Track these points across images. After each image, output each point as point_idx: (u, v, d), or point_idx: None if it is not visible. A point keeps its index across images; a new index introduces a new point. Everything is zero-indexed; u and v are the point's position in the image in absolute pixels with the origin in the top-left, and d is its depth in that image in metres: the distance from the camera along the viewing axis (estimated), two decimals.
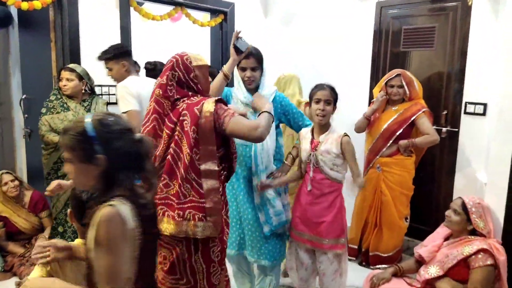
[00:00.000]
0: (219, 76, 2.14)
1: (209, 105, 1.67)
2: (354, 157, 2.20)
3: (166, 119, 1.73)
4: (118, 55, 2.69)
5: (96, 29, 3.16)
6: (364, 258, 3.20)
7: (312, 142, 2.23)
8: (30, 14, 3.13)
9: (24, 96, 3.75)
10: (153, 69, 3.63)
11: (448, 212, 2.26)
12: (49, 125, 2.87)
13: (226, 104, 1.76)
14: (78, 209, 1.75)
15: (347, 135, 2.19)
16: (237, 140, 1.99)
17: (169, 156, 1.70)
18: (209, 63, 1.86)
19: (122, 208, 1.21)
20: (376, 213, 3.08)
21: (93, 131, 1.24)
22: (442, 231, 2.37)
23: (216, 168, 1.68)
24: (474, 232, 2.20)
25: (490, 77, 2.97)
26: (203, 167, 1.67)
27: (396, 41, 3.52)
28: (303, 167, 2.30)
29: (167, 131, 1.71)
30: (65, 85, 2.88)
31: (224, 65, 2.16)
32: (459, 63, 3.16)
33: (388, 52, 3.59)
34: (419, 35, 3.37)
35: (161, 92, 1.74)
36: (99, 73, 3.02)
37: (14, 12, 3.83)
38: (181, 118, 1.69)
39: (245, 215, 2.26)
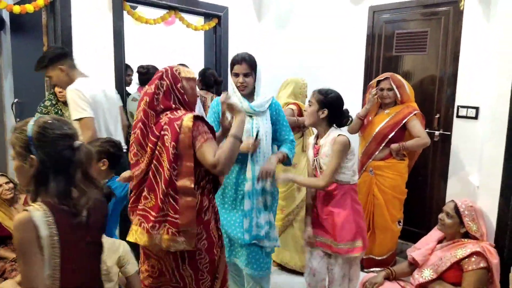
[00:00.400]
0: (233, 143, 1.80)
1: (187, 121, 1.67)
2: (335, 156, 2.12)
3: (150, 132, 1.74)
4: (51, 60, 2.47)
5: (89, 33, 3.15)
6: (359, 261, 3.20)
7: (314, 147, 2.27)
8: (22, 17, 3.11)
9: (16, 100, 3.73)
10: (145, 73, 3.63)
11: (441, 216, 2.27)
12: None
13: (204, 122, 1.75)
14: None
15: (343, 135, 2.14)
16: None
17: (150, 171, 1.72)
18: (197, 76, 1.86)
19: (36, 214, 1.21)
20: (369, 217, 3.08)
21: (31, 132, 1.30)
22: (435, 234, 2.38)
23: (191, 186, 1.68)
24: (467, 235, 2.21)
25: (482, 80, 3.00)
26: (179, 183, 1.67)
27: (389, 45, 3.54)
28: (311, 173, 2.33)
29: (150, 145, 1.73)
30: (60, 92, 2.86)
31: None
32: (451, 67, 3.19)
33: (381, 56, 3.61)
34: (411, 39, 3.40)
35: (147, 100, 1.75)
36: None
37: (6, 15, 3.82)
38: (162, 132, 1.70)
39: (235, 222, 2.24)
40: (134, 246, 2.24)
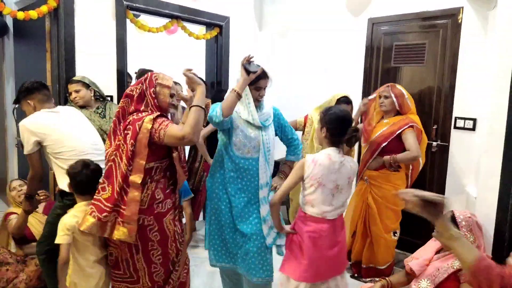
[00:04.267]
0: (232, 96, 2.13)
1: (147, 123, 1.83)
2: (290, 175, 2.10)
3: (118, 130, 1.93)
4: (20, 97, 2.50)
5: (92, 40, 3.18)
6: (356, 270, 3.19)
7: None
8: (26, 24, 3.15)
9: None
10: (139, 76, 3.65)
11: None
12: None
13: (164, 117, 1.90)
14: None
15: (304, 158, 2.09)
16: (238, 154, 2.19)
17: (111, 163, 1.88)
18: (172, 83, 1.98)
19: None
20: (364, 225, 3.08)
21: None
22: (432, 244, 2.38)
23: (139, 181, 1.83)
24: None
25: (479, 92, 3.03)
26: (131, 178, 1.84)
27: (388, 57, 3.58)
28: None
29: (117, 142, 1.90)
30: (75, 97, 2.90)
31: (235, 86, 2.17)
32: (449, 79, 3.22)
33: (379, 67, 3.65)
34: (410, 51, 3.44)
35: (122, 101, 1.96)
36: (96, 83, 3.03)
37: (9, 21, 3.86)
38: (125, 131, 1.87)
39: (246, 229, 2.25)
40: None
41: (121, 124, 1.92)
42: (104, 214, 1.82)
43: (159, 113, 1.89)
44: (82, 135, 2.45)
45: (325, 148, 2.07)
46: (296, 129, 3.16)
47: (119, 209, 1.84)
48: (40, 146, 2.36)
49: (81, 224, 1.88)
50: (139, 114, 1.88)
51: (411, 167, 3.09)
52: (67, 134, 2.39)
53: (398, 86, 3.05)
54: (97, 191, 1.90)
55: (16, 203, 2.95)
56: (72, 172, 2.07)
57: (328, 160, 1.99)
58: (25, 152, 2.35)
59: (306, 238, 2.02)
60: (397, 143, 2.95)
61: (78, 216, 1.97)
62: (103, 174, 1.96)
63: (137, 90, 1.93)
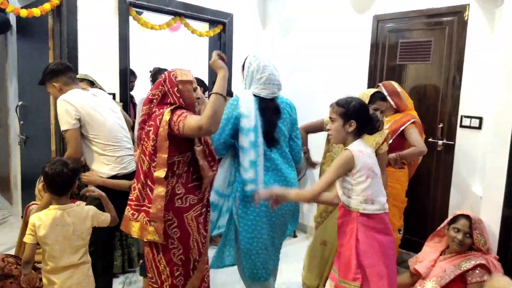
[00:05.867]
0: (221, 100, 1.81)
1: (165, 115, 1.80)
2: (331, 169, 1.87)
3: (144, 132, 1.92)
4: (46, 77, 2.46)
5: (95, 37, 3.17)
6: None
7: None
8: (28, 21, 3.14)
9: (20, 103, 3.74)
10: (154, 76, 3.63)
11: (460, 237, 2.18)
12: None
13: (182, 108, 1.87)
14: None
15: (348, 149, 1.87)
16: None
17: (139, 164, 1.90)
18: (192, 77, 1.96)
19: None
20: None
21: None
22: (437, 245, 2.36)
23: (162, 175, 1.78)
24: (471, 247, 2.19)
25: (485, 91, 3.00)
26: (155, 174, 1.80)
27: (393, 54, 3.55)
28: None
29: (142, 141, 1.90)
30: None
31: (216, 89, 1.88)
32: (455, 77, 3.19)
33: (384, 65, 3.62)
34: (415, 48, 3.41)
35: (145, 110, 1.92)
36: (97, 81, 3.02)
37: (12, 19, 3.85)
38: (147, 129, 1.86)
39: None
40: None
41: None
42: (132, 212, 1.86)
43: (177, 104, 1.84)
44: (117, 120, 2.43)
45: (350, 143, 1.88)
46: (322, 130, 2.75)
47: (144, 207, 1.83)
48: (79, 125, 2.29)
49: (121, 224, 1.95)
50: (161, 110, 1.85)
51: (412, 162, 3.08)
52: (104, 116, 2.36)
53: (392, 84, 3.03)
54: (131, 189, 1.94)
55: (41, 196, 2.84)
56: (50, 172, 1.95)
57: (369, 148, 1.90)
58: (64, 127, 2.27)
59: (386, 248, 1.83)
60: (400, 140, 2.94)
61: (43, 220, 1.93)
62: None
63: (159, 93, 1.88)
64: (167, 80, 1.89)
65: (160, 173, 1.78)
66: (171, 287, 1.87)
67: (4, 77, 4.37)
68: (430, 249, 2.38)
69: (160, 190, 1.78)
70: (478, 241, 2.15)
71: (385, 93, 2.96)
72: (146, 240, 1.84)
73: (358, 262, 1.80)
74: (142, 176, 1.84)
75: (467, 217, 2.22)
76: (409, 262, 2.38)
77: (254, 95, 2.22)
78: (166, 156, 1.78)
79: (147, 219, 1.81)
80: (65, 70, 2.44)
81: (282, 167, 2.23)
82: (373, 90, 2.70)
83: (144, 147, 1.85)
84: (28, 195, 3.89)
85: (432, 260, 2.25)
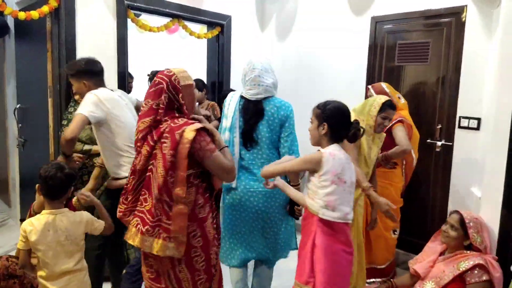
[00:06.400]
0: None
1: (189, 133, 1.71)
2: (299, 159, 1.92)
3: (148, 136, 1.78)
4: (79, 73, 2.49)
5: (93, 39, 3.16)
6: None
7: None
8: (27, 23, 3.13)
9: (18, 106, 3.74)
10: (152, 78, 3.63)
11: (445, 228, 2.25)
12: None
13: (208, 133, 1.80)
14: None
15: (319, 151, 1.89)
16: None
17: (149, 173, 1.77)
18: (192, 81, 1.90)
19: None
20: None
21: None
22: (437, 246, 2.36)
23: (183, 194, 1.72)
24: (470, 247, 2.20)
25: (484, 91, 3.00)
26: (175, 191, 1.72)
27: (391, 56, 3.55)
28: None
29: (147, 148, 1.77)
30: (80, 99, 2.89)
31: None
32: (453, 78, 3.20)
33: (383, 66, 3.62)
34: (413, 49, 3.42)
35: (147, 122, 1.79)
36: None
37: (10, 21, 3.85)
38: (162, 139, 1.74)
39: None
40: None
41: (152, 132, 1.77)
42: (147, 227, 1.73)
43: (201, 125, 1.77)
44: (134, 123, 2.43)
45: (325, 146, 1.87)
46: None
47: (161, 224, 1.73)
48: (94, 122, 2.31)
49: (126, 235, 1.78)
50: (175, 121, 1.77)
51: (404, 162, 3.08)
52: (127, 118, 2.41)
53: (382, 84, 3.05)
54: (139, 203, 1.78)
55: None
56: (44, 176, 1.92)
57: (343, 154, 1.83)
58: (80, 111, 2.27)
59: (343, 259, 1.78)
60: (389, 141, 2.93)
61: (34, 225, 1.91)
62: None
63: (164, 100, 1.78)
64: (170, 86, 1.79)
65: (180, 191, 1.72)
66: None
67: (2, 79, 4.36)
68: (430, 250, 2.39)
69: (181, 208, 1.72)
70: (475, 240, 2.15)
71: (373, 94, 2.99)
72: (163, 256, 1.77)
73: (312, 267, 1.78)
74: (156, 190, 1.73)
75: (458, 212, 2.24)
76: (409, 263, 2.38)
77: (241, 96, 2.34)
78: (185, 174, 1.72)
79: (165, 235, 1.72)
80: (100, 73, 2.55)
81: (253, 167, 2.30)
82: (384, 98, 2.60)
83: (157, 159, 1.75)
84: (26, 198, 3.88)
85: (431, 261, 2.25)
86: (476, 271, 2.04)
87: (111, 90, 2.56)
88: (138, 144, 1.81)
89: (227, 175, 1.81)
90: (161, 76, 1.81)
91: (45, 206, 1.99)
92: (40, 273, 1.96)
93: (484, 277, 2.02)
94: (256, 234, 2.37)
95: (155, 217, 1.72)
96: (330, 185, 1.76)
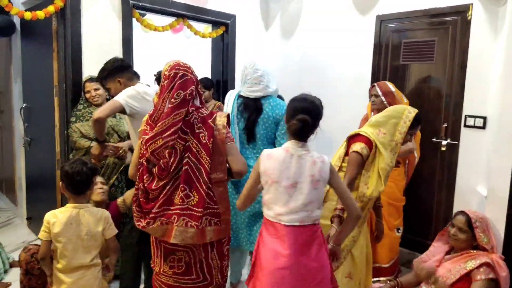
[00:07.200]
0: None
1: (221, 119, 1.85)
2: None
3: (179, 131, 1.79)
4: (110, 73, 2.56)
5: (98, 39, 3.18)
6: None
7: None
8: (33, 23, 3.15)
9: (24, 105, 3.76)
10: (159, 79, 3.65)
11: (453, 231, 2.22)
12: (80, 131, 2.91)
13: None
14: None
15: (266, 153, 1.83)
16: None
17: (187, 167, 1.77)
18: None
19: None
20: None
21: None
22: (440, 245, 2.35)
23: (225, 177, 1.84)
24: (476, 247, 2.19)
25: (490, 90, 2.99)
26: (213, 176, 1.80)
27: (396, 54, 3.54)
28: None
29: (182, 142, 1.78)
30: (94, 95, 2.92)
31: None
32: (459, 76, 3.18)
33: (388, 65, 3.61)
34: (418, 48, 3.40)
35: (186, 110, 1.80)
36: None
37: (16, 21, 3.87)
38: (197, 131, 1.80)
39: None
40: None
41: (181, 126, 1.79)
42: (200, 220, 1.75)
43: (227, 112, 1.94)
44: None
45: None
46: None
47: (209, 211, 1.79)
48: (128, 112, 2.38)
49: (173, 237, 1.76)
50: (201, 111, 1.85)
51: (407, 161, 3.07)
52: None
53: (387, 84, 3.03)
54: (180, 199, 1.76)
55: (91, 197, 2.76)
56: (71, 172, 1.98)
57: (285, 153, 1.70)
58: (117, 98, 2.37)
59: (262, 250, 1.73)
60: None
61: (58, 217, 1.97)
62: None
63: (194, 91, 1.83)
64: (193, 77, 1.87)
65: (220, 175, 1.83)
66: (222, 277, 1.94)
67: (8, 79, 4.39)
68: (435, 249, 2.38)
69: (222, 190, 1.84)
70: (481, 240, 2.14)
71: (379, 92, 2.98)
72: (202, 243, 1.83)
73: (252, 265, 1.79)
74: (205, 179, 1.76)
75: (464, 213, 2.22)
76: (414, 262, 2.37)
77: (239, 95, 2.51)
78: (225, 158, 1.84)
79: (216, 220, 1.81)
80: (129, 66, 2.64)
81: (250, 161, 2.39)
82: (414, 112, 2.24)
83: (195, 149, 1.77)
84: (32, 197, 3.91)
85: (437, 260, 2.24)
86: (482, 269, 2.03)
87: (148, 85, 2.62)
88: (170, 139, 1.75)
89: (243, 165, 1.88)
90: (181, 68, 1.85)
91: (69, 200, 2.06)
92: (57, 264, 2.01)
93: (491, 275, 2.01)
94: (243, 227, 2.51)
95: (204, 206, 1.76)
96: (265, 184, 1.72)
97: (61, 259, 1.98)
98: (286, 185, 1.67)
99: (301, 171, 1.67)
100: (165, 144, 1.76)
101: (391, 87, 3.02)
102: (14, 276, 2.99)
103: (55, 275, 2.02)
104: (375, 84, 3.08)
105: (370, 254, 2.51)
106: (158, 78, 3.49)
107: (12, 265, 3.13)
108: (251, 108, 2.43)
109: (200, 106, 1.88)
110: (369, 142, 2.15)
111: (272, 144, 2.47)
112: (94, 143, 2.73)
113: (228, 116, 1.89)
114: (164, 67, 1.90)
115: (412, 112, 2.23)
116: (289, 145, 1.71)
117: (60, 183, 2.06)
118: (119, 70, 2.56)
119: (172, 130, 1.76)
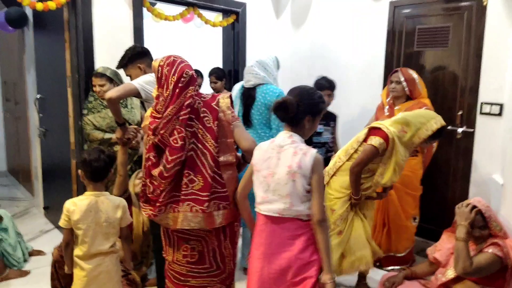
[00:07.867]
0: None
1: (225, 100, 1.82)
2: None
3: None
4: (131, 59, 2.60)
5: (110, 29, 3.19)
6: (377, 259, 3.16)
7: None
8: (45, 14, 3.17)
9: (39, 96, 3.80)
10: None
11: (473, 232, 2.08)
12: (92, 123, 2.94)
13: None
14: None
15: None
16: None
17: (192, 152, 1.77)
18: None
19: None
20: (383, 214, 3.03)
21: None
22: (452, 233, 2.31)
23: (234, 160, 1.81)
24: (489, 235, 2.15)
25: (506, 77, 2.92)
26: (221, 159, 1.78)
27: (410, 41, 3.48)
28: None
29: (188, 129, 1.76)
30: (99, 91, 2.92)
31: None
32: (474, 63, 3.11)
33: (401, 52, 3.55)
34: (433, 34, 3.34)
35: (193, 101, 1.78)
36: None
37: (29, 12, 3.90)
38: (201, 115, 1.79)
39: None
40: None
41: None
42: (206, 204, 1.73)
43: (229, 93, 1.91)
44: None
45: None
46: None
47: (217, 195, 1.76)
48: (144, 96, 2.36)
49: (178, 223, 1.77)
50: (202, 96, 1.85)
51: (425, 150, 3.04)
52: None
53: (410, 71, 2.99)
54: (184, 185, 1.75)
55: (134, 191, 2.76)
56: (89, 159, 2.02)
57: (269, 144, 1.72)
58: (134, 82, 2.36)
59: (253, 238, 1.78)
60: None
61: (77, 205, 2.00)
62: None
63: (198, 87, 1.88)
64: (193, 72, 1.83)
65: (229, 157, 1.80)
66: (234, 264, 1.96)
67: (22, 70, 4.44)
68: (448, 238, 2.35)
69: (230, 172, 1.81)
70: (494, 228, 2.10)
71: (401, 78, 2.94)
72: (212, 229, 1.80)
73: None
74: (211, 163, 1.74)
75: (476, 209, 2.09)
76: (428, 251, 2.35)
77: (242, 86, 2.80)
78: (233, 140, 1.81)
79: (225, 203, 1.77)
80: (148, 52, 2.67)
81: None
82: (440, 123, 2.37)
83: (200, 135, 1.76)
84: (48, 187, 3.97)
85: (451, 248, 2.22)
86: (491, 246, 2.01)
87: None
88: (183, 112, 1.73)
89: (252, 142, 1.82)
90: (175, 56, 1.83)
91: (88, 188, 2.09)
92: (77, 252, 2.04)
93: (499, 253, 1.97)
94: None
95: (211, 190, 1.75)
96: (254, 174, 1.75)
97: (81, 245, 2.02)
98: (265, 174, 1.68)
99: (280, 161, 1.66)
100: (179, 121, 1.72)
101: (414, 74, 2.98)
102: (33, 265, 3.07)
103: (75, 263, 2.06)
104: (398, 69, 3.02)
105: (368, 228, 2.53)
106: None
107: (31, 254, 3.20)
108: (246, 96, 2.72)
109: (199, 93, 1.86)
110: (387, 139, 2.26)
111: (268, 127, 2.70)
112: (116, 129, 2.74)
113: (230, 96, 1.87)
114: (154, 63, 1.81)
115: (438, 124, 2.36)
116: (279, 134, 1.73)
117: (79, 171, 2.09)
118: (140, 56, 2.61)
119: (185, 105, 1.73)
